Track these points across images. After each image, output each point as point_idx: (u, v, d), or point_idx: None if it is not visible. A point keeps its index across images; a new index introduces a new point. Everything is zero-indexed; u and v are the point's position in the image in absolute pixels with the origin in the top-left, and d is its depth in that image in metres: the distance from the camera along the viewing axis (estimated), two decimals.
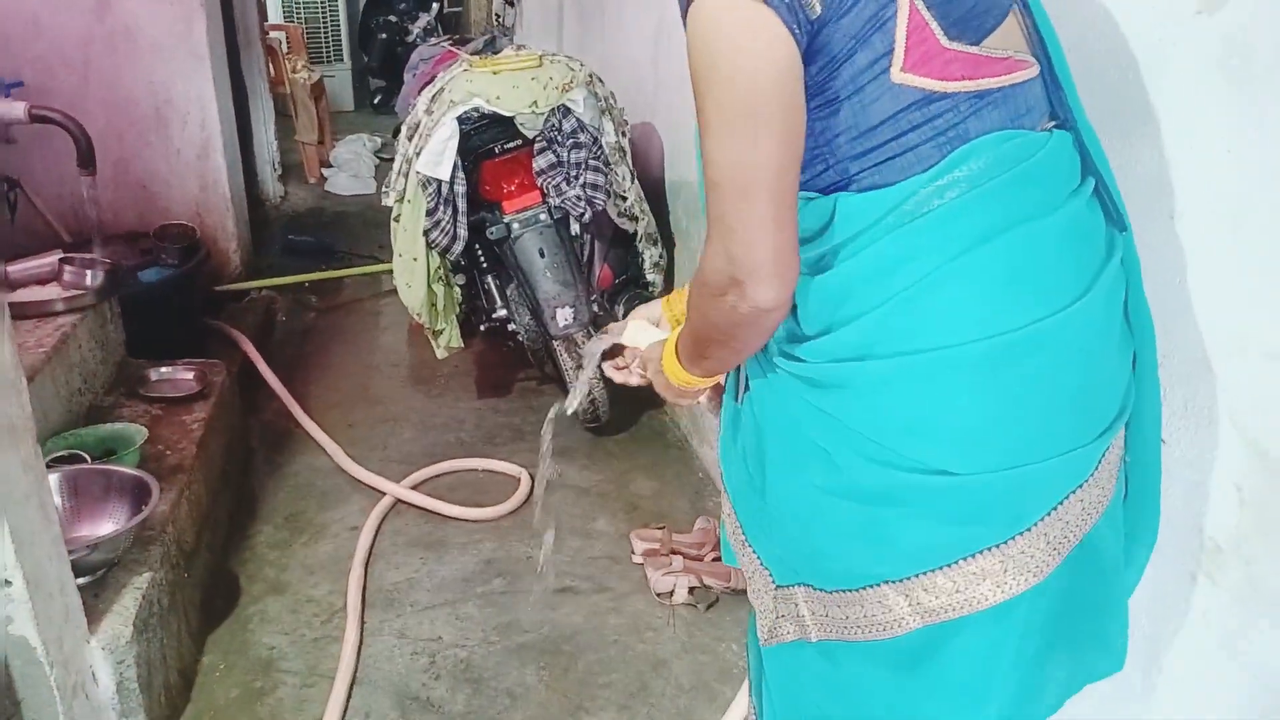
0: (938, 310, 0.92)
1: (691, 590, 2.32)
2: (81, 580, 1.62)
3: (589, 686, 2.02)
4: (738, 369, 1.14)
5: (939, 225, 0.90)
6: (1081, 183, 0.98)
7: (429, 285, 2.70)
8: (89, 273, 2.43)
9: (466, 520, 2.60)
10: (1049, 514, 0.99)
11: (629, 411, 3.23)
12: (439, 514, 2.62)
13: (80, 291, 2.38)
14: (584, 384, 1.50)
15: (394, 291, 4.33)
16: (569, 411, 1.45)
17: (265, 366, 3.24)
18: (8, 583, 1.40)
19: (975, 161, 0.91)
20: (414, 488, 2.71)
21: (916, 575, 1.01)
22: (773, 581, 1.13)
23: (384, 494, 2.67)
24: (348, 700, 1.93)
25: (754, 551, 1.16)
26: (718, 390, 1.21)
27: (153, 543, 1.87)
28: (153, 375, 2.55)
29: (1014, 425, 0.95)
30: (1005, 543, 0.99)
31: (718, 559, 2.44)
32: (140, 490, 1.86)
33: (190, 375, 2.59)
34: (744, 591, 2.31)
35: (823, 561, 1.07)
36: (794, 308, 0.98)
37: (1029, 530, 0.99)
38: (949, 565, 1.00)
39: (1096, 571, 1.07)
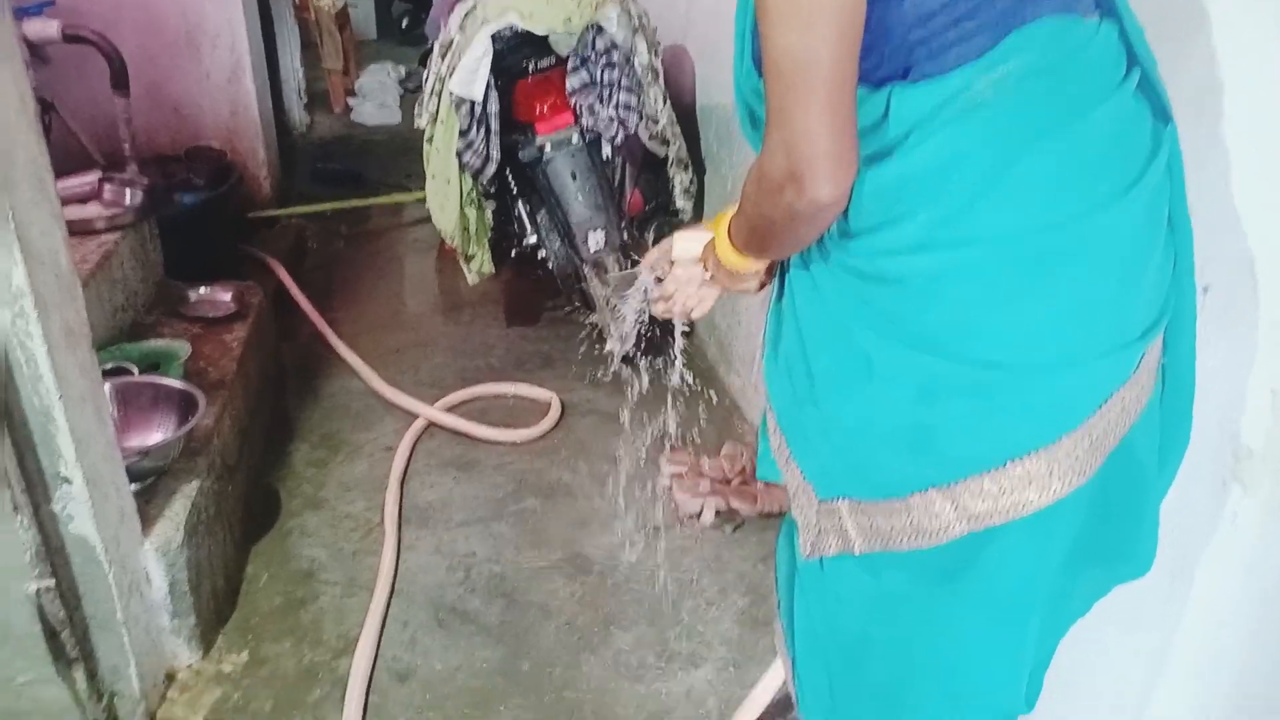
0: (993, 206, 0.91)
1: (719, 513, 2.37)
2: (133, 487, 1.67)
3: (618, 602, 2.08)
4: (783, 273, 1.15)
5: (994, 119, 0.90)
6: (1127, 74, 0.97)
7: (461, 209, 2.71)
8: (128, 191, 2.46)
9: (499, 442, 2.65)
10: (1093, 414, 0.99)
11: (657, 342, 3.25)
12: (471, 436, 2.67)
13: (120, 210, 2.41)
14: (631, 324, 1.49)
15: (422, 220, 4.36)
16: (618, 356, 1.45)
17: (298, 291, 3.28)
18: (67, 481, 1.45)
19: (1029, 51, 0.90)
20: (446, 411, 2.76)
21: (963, 479, 1.02)
22: (816, 496, 1.14)
23: (417, 416, 2.72)
24: (386, 610, 2.00)
25: (798, 466, 1.17)
26: (770, 272, 1.19)
27: (199, 454, 1.92)
28: (191, 295, 2.59)
29: (1066, 320, 0.95)
30: (1052, 444, 0.99)
31: (745, 483, 2.48)
32: (186, 402, 1.91)
33: (228, 296, 2.63)
34: (771, 515, 2.37)
35: (870, 470, 1.07)
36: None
37: (1074, 431, 1.00)
38: (996, 468, 1.00)
39: (1131, 475, 1.07)
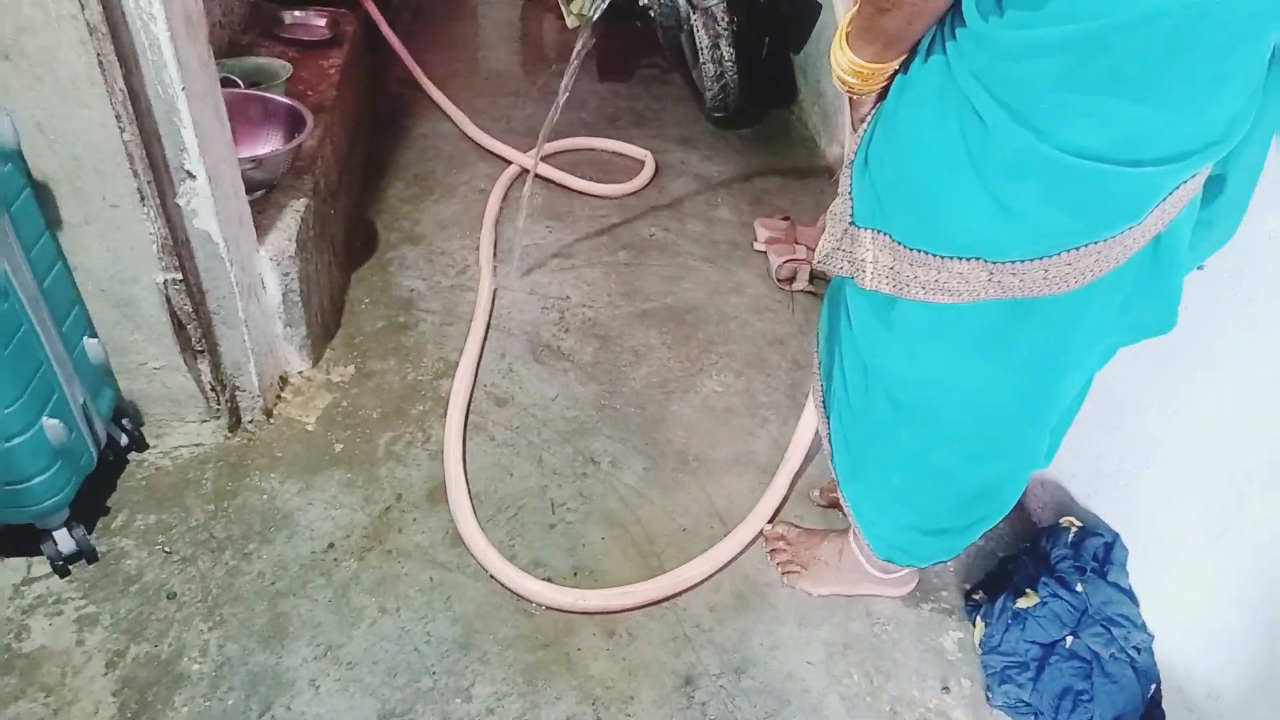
0: None
1: (812, 279, 2.35)
2: (247, 197, 1.69)
3: (708, 353, 2.10)
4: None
5: None
6: None
7: None
8: None
9: (592, 195, 2.62)
10: (1155, 208, 0.95)
11: (756, 107, 3.12)
12: (565, 187, 2.64)
13: None
14: None
15: None
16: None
17: (388, 28, 3.16)
18: (191, 175, 1.46)
19: None
20: (540, 160, 2.71)
21: (1013, 261, 0.99)
22: (851, 217, 1.11)
23: (510, 163, 2.69)
24: (484, 341, 2.05)
25: (850, 179, 1.12)
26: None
27: (304, 173, 1.92)
28: (287, 18, 2.52)
29: (1170, 116, 0.86)
30: (1111, 238, 0.96)
31: None
32: (293, 119, 1.89)
33: (323, 22, 2.55)
34: None
35: (929, 218, 1.01)
36: None
37: (1136, 225, 0.96)
38: (1048, 256, 0.98)
39: (1167, 253, 1.04)
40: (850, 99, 1.11)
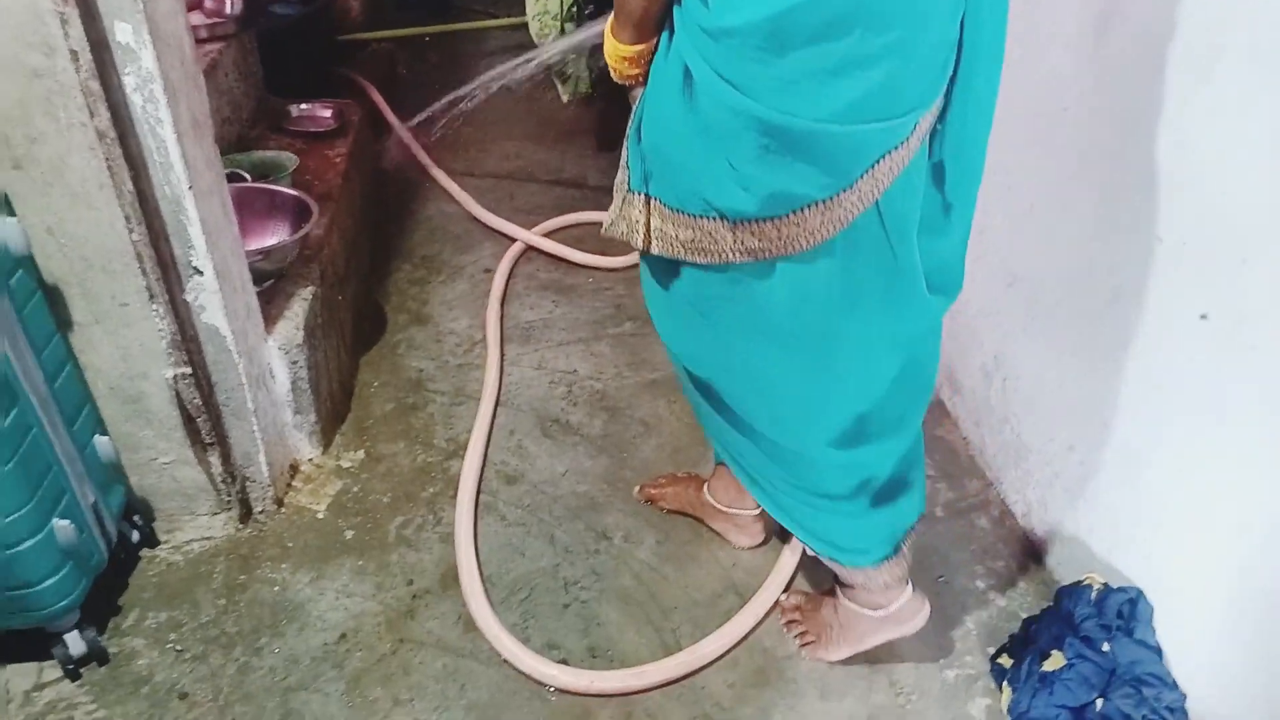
0: None
1: None
2: (255, 288, 1.71)
3: None
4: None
5: None
6: None
7: (562, 25, 2.61)
8: (229, 1, 2.42)
9: (597, 268, 2.64)
10: (868, 171, 1.06)
11: None
12: (570, 261, 2.67)
13: (221, 19, 2.38)
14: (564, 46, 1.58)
15: (511, 47, 4.25)
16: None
17: (392, 115, 3.25)
18: (199, 272, 1.49)
19: None
20: (544, 236, 2.75)
21: (747, 221, 1.10)
22: (627, 184, 1.20)
23: (515, 240, 2.72)
24: (493, 418, 2.05)
25: (625, 148, 1.21)
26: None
27: (312, 261, 1.96)
28: (293, 111, 2.59)
29: (872, 80, 0.99)
30: (830, 199, 1.07)
31: None
32: (300, 210, 1.93)
33: (329, 113, 2.62)
34: None
35: (680, 178, 1.12)
36: None
37: (850, 189, 1.07)
38: (778, 217, 1.09)
39: (897, 225, 1.15)
40: (629, 88, 1.21)
